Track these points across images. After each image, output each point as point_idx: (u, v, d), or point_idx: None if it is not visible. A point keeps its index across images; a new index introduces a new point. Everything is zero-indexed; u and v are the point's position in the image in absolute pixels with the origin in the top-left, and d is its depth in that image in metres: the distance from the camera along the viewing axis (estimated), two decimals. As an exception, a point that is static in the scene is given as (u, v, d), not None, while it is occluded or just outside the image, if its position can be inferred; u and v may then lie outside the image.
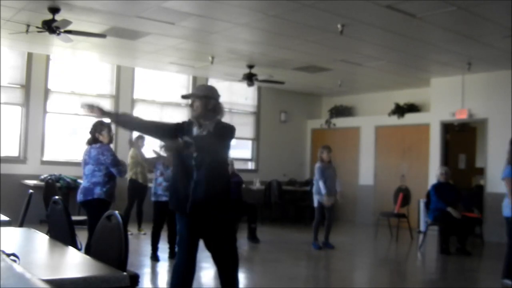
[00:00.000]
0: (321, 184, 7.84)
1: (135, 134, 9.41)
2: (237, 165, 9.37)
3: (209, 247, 3.89)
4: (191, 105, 3.82)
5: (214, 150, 3.75)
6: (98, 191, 5.15)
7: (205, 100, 3.78)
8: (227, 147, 3.90)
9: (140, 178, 8.68)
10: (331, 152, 8.09)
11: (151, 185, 7.02)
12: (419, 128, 10.94)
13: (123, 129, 4.04)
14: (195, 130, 3.79)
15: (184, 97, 4.16)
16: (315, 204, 8.03)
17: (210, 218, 3.77)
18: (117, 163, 5.27)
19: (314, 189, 8.05)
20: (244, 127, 12.21)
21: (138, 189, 8.69)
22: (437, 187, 8.28)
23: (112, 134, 5.45)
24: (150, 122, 4.07)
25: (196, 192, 3.67)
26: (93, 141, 5.34)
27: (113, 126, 5.36)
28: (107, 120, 3.95)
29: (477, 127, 11.12)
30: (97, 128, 5.33)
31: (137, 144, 8.76)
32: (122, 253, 2.41)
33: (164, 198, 6.37)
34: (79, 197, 5.27)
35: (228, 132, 3.83)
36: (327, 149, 8.10)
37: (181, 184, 3.73)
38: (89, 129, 5.39)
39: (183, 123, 3.92)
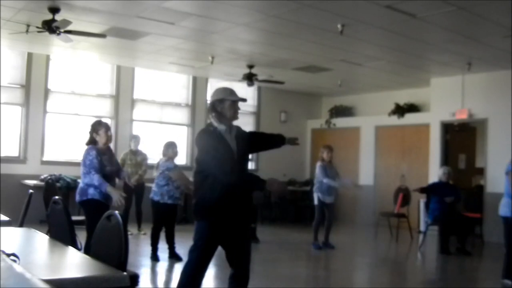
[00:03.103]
0: (327, 180, 7.86)
1: (134, 132, 9.45)
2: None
3: (228, 253, 3.75)
4: (237, 109, 3.93)
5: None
6: (92, 192, 5.05)
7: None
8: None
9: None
10: (332, 152, 8.10)
11: (149, 184, 7.01)
12: (419, 128, 10.94)
13: None
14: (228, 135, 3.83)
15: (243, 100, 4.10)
16: (316, 202, 8.05)
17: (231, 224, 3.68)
18: (93, 169, 4.95)
19: (315, 188, 8.06)
20: (244, 127, 12.10)
21: (132, 189, 8.58)
22: (436, 185, 8.31)
23: (110, 134, 5.29)
24: None
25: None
26: (91, 141, 5.28)
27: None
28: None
29: (477, 127, 11.11)
30: (95, 127, 5.22)
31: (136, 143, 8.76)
32: (122, 253, 2.41)
33: (179, 201, 6.90)
34: (76, 197, 5.23)
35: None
36: (327, 148, 8.12)
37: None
38: (88, 129, 5.34)
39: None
